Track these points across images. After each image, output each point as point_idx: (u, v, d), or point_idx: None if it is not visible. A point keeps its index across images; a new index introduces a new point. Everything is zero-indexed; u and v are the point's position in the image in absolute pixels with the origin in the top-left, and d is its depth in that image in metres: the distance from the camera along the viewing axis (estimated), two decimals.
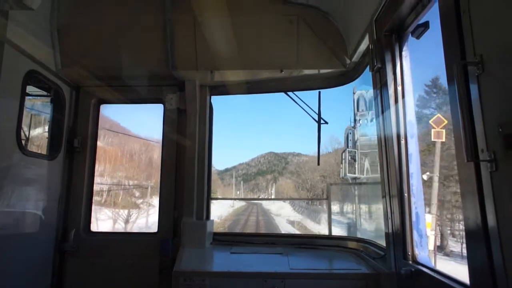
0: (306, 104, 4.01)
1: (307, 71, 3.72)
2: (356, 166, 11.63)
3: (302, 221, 26.89)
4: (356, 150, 11.40)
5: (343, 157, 12.35)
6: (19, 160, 3.07)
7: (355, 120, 10.52)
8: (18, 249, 3.11)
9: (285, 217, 29.62)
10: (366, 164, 11.53)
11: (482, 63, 1.43)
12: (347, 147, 11.69)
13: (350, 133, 11.45)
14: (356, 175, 11.96)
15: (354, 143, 11.27)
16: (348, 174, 12.25)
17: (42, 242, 3.50)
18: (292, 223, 26.64)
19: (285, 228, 24.84)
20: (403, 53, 2.54)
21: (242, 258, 3.32)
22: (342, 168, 12.37)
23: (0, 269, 2.87)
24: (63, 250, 3.70)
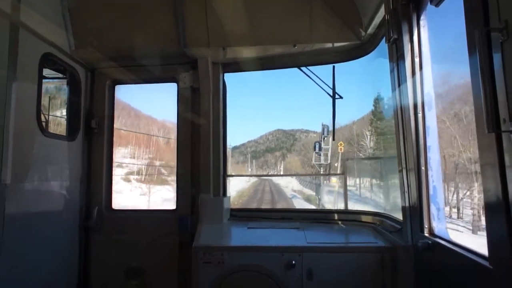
0: (320, 79, 3.95)
1: (320, 45, 3.64)
2: (321, 157, 24.18)
3: (303, 190, 37.76)
4: (321, 151, 23.93)
5: (313, 155, 26.32)
6: (41, 142, 3.16)
7: (322, 138, 22.93)
8: (46, 227, 3.25)
9: (291, 188, 40.18)
10: (328, 156, 24.22)
11: (507, 29, 1.37)
12: (314, 150, 25.20)
13: (317, 143, 24.79)
14: (321, 162, 24.51)
15: (320, 148, 23.88)
16: (315, 162, 25.71)
17: (68, 219, 3.65)
18: (295, 191, 37.27)
19: (290, 193, 36.27)
20: (421, 22, 2.45)
21: (260, 233, 3.39)
22: (313, 160, 26.45)
23: (31, 245, 3.02)
24: (87, 227, 3.86)
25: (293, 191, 37.06)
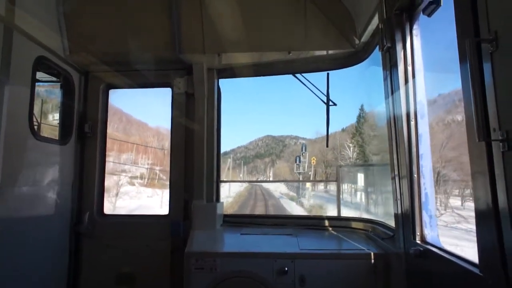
0: (315, 86, 3.97)
1: (315, 52, 3.67)
2: (300, 168, 38.74)
3: (289, 193, 44.94)
4: (300, 163, 38.96)
5: (295, 166, 43.50)
6: (32, 146, 3.13)
7: (301, 153, 41.64)
8: (36, 231, 3.21)
9: (279, 191, 47.33)
10: (305, 167, 39.51)
11: (496, 40, 1.40)
12: (295, 162, 42.12)
13: (298, 157, 41.56)
14: (300, 171, 38.98)
15: (300, 161, 39.04)
16: (295, 171, 43.40)
17: (59, 224, 3.61)
18: (282, 194, 44.73)
19: (278, 195, 43.59)
20: (414, 31, 2.49)
21: (252, 239, 3.38)
22: (295, 169, 43.56)
23: (20, 250, 2.98)
24: (78, 232, 3.82)
25: (281, 194, 45.44)
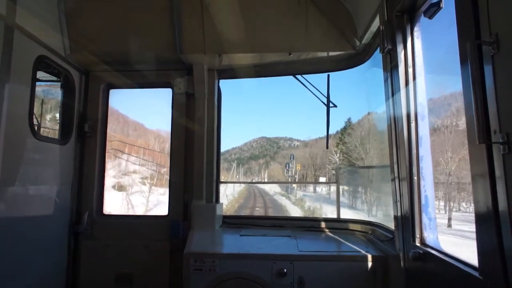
0: (315, 87, 3.98)
1: (315, 54, 3.67)
2: (290, 172, 56.26)
3: (281, 192, 53.78)
4: (289, 169, 56.93)
5: (285, 171, 63.77)
6: (32, 145, 3.12)
7: (290, 160, 62.55)
8: (35, 231, 3.20)
9: (273, 191, 55.66)
10: (293, 171, 56.58)
11: (497, 42, 1.39)
12: (285, 167, 63.84)
13: (287, 163, 61.70)
14: (290, 175, 55.74)
15: (289, 166, 57.62)
16: (285, 174, 62.57)
17: (58, 224, 3.60)
18: (276, 192, 53.53)
19: (272, 193, 52.90)
20: (415, 33, 2.49)
21: (252, 241, 3.37)
22: (285, 173, 62.89)
23: (18, 250, 2.97)
24: (77, 232, 3.81)
25: (275, 192, 55.04)
